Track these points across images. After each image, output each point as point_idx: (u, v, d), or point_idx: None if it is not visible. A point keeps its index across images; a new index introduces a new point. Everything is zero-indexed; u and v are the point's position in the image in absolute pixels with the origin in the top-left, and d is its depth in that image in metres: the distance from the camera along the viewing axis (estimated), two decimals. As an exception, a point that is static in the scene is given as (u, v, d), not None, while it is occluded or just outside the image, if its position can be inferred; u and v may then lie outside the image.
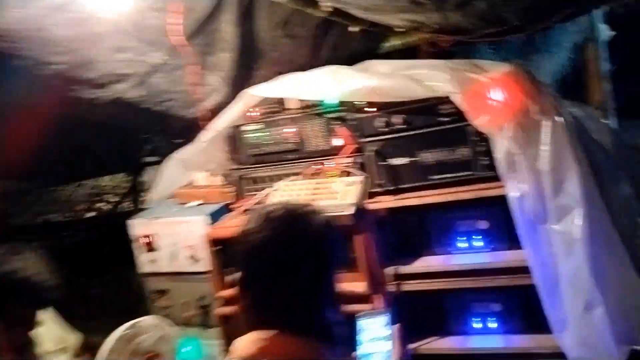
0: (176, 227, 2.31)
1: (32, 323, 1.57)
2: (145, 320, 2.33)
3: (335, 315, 1.05)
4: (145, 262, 2.44)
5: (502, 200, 1.62)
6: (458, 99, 1.56)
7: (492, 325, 1.77)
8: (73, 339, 1.86)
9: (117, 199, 6.21)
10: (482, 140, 1.66)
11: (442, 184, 1.75)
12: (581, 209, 1.38)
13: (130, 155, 4.68)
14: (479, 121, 1.53)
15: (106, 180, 6.32)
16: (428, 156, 1.75)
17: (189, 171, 2.50)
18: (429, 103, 1.70)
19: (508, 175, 1.55)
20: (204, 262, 2.19)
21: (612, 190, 1.74)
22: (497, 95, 1.52)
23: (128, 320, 3.36)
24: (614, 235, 1.44)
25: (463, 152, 1.70)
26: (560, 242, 1.42)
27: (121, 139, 3.63)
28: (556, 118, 1.47)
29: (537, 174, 1.48)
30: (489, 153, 1.65)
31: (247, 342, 0.95)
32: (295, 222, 1.01)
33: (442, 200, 1.70)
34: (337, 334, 1.09)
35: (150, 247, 2.40)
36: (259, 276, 0.98)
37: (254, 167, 2.13)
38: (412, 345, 1.82)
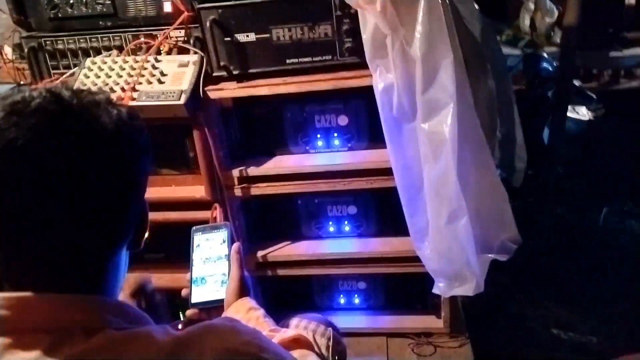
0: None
1: None
2: None
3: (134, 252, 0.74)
4: None
5: (366, 91, 1.38)
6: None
7: (347, 228, 1.62)
8: None
9: None
10: (348, 17, 1.35)
11: (298, 69, 1.43)
12: (454, 106, 1.19)
13: None
14: (344, -11, 1.20)
15: None
16: (282, 33, 1.39)
17: (-35, 37, 1.84)
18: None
19: (374, 61, 1.28)
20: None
21: (478, 84, 1.59)
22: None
23: None
24: (480, 136, 1.29)
25: (325, 31, 1.37)
26: (427, 143, 1.23)
27: None
28: (434, -7, 1.20)
29: (408, 61, 1.23)
30: (354, 33, 1.35)
31: None
32: (67, 117, 0.60)
33: (297, 90, 1.40)
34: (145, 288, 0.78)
35: None
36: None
37: (53, 36, 1.58)
38: (260, 253, 1.63)
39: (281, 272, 1.63)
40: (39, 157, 0.57)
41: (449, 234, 1.20)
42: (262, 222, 1.67)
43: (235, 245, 1.06)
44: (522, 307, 2.18)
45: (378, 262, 1.59)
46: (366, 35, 1.25)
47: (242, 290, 1.01)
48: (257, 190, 1.53)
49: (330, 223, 1.62)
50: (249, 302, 1.00)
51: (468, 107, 1.26)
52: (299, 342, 0.90)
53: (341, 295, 1.75)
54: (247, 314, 0.96)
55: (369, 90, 1.34)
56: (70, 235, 0.60)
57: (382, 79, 1.28)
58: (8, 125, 0.57)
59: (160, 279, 1.66)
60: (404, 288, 1.72)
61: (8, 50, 1.81)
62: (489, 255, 1.25)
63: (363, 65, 1.35)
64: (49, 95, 0.61)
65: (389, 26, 1.20)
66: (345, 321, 1.72)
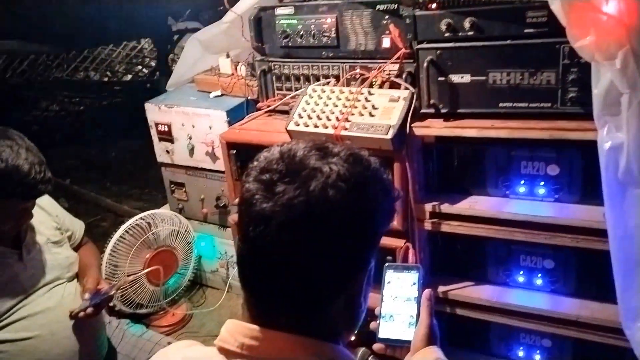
0: (192, 119, 2.07)
1: (21, 213, 1.43)
2: (160, 213, 2.21)
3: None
4: (161, 152, 2.25)
5: (583, 144, 1.28)
6: (556, 7, 1.14)
7: (539, 282, 1.52)
8: (73, 228, 1.74)
9: (154, 63, 6.01)
10: (576, 66, 1.26)
11: (511, 113, 1.38)
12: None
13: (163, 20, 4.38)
14: (581, 42, 1.12)
15: (145, 43, 6.06)
16: (500, 77, 1.36)
17: (210, 54, 2.18)
18: (514, 6, 1.27)
19: (604, 117, 1.17)
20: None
21: None
22: (611, 7, 1.09)
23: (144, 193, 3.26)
24: None
25: (548, 78, 1.30)
26: (656, 216, 1.09)
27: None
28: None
29: (646, 123, 1.10)
30: (581, 84, 1.26)
31: (230, 333, 0.71)
32: (360, 183, 0.68)
33: (508, 135, 1.35)
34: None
35: (166, 136, 2.19)
36: (269, 253, 0.67)
37: (282, 61, 1.78)
38: (442, 288, 1.62)
39: (461, 312, 1.60)
40: (321, 217, 0.66)
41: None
42: (446, 257, 1.66)
43: (427, 291, 1.08)
44: None
45: (571, 325, 1.46)
46: (598, 90, 1.15)
47: (431, 338, 1.03)
48: (448, 227, 1.53)
49: (521, 273, 1.54)
50: (436, 351, 1.01)
51: None
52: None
53: (521, 348, 1.65)
54: None
55: (589, 142, 1.24)
56: (311, 282, 0.68)
57: (610, 137, 1.16)
58: (298, 181, 0.66)
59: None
60: (596, 355, 1.55)
61: (241, 68, 2.09)
62: None
63: (586, 117, 1.25)
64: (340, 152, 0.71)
65: (628, 84, 1.08)
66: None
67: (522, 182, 1.46)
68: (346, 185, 0.67)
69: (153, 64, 6.12)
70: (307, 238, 0.66)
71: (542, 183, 1.43)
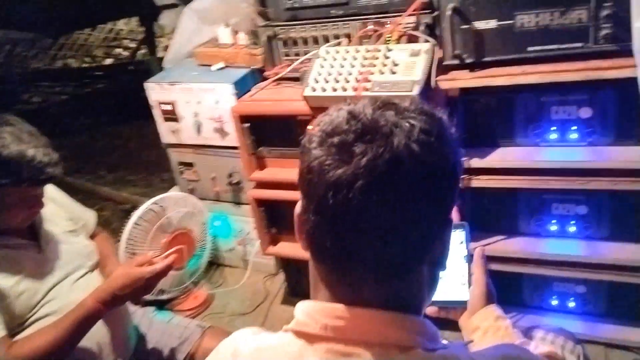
0: (197, 94, 1.98)
1: (32, 202, 1.36)
2: (172, 196, 2.14)
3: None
4: (167, 132, 2.17)
5: (617, 83, 1.24)
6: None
7: (572, 229, 1.50)
8: (85, 217, 1.67)
9: (134, 45, 5.81)
10: (610, 0, 1.20)
11: (540, 57, 1.33)
12: None
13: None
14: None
15: (121, 25, 5.85)
16: (528, 19, 1.30)
17: (208, 25, 2.08)
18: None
19: (644, 52, 1.13)
20: (233, 137, 1.90)
21: None
22: None
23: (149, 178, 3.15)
24: None
25: (579, 16, 1.25)
26: None
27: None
28: None
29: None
30: (615, 19, 1.21)
31: (309, 316, 0.65)
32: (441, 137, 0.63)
33: (540, 80, 1.30)
34: None
35: (171, 116, 2.11)
36: (349, 223, 0.60)
37: (288, 25, 1.69)
38: (472, 245, 1.59)
39: (495, 267, 1.58)
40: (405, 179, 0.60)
41: None
42: (476, 212, 1.62)
43: (480, 249, 1.05)
44: None
45: (608, 269, 1.45)
46: (638, 23, 1.10)
47: (488, 297, 1.00)
48: (478, 182, 1.49)
49: (554, 221, 1.52)
50: (495, 310, 0.99)
51: None
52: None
53: (554, 297, 1.64)
54: (496, 322, 0.96)
55: (623, 81, 1.20)
56: (397, 253, 0.63)
57: (651, 72, 1.12)
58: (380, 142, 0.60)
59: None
60: (631, 297, 1.55)
61: (242, 37, 2.00)
62: None
63: (620, 54, 1.21)
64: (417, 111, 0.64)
65: (673, 13, 1.04)
66: (556, 324, 1.62)
67: (554, 128, 1.42)
68: (428, 139, 0.62)
69: (132, 45, 5.93)
70: (395, 198, 0.60)
71: (574, 128, 1.39)
